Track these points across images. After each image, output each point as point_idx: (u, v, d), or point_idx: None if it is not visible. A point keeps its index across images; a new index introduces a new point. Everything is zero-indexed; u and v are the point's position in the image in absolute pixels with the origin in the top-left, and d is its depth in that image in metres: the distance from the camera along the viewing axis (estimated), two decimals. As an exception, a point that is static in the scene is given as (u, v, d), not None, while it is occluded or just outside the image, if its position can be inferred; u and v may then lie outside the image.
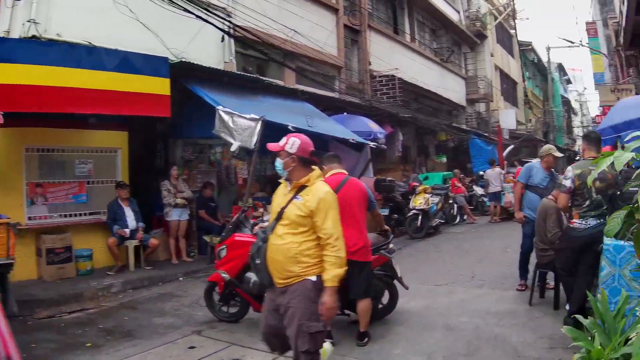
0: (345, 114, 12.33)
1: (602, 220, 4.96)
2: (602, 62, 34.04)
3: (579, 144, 68.10)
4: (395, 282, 5.97)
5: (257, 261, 3.68)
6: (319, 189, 3.52)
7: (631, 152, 2.65)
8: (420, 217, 12.78)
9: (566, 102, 55.80)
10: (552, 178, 6.93)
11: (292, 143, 3.54)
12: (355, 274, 4.96)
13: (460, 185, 16.87)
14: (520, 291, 7.27)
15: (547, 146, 7.59)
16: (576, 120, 66.21)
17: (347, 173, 5.42)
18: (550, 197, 6.34)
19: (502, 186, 15.97)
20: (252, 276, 5.33)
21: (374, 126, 12.25)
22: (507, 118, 27.19)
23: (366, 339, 5.26)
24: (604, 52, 31.32)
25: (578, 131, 62.88)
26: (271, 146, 3.62)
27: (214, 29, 9.53)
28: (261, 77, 10.71)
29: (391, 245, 5.94)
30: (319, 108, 11.61)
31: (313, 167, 3.62)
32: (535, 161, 7.63)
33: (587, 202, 5.16)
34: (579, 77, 66.02)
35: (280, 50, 11.60)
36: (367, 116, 13.21)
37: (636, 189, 4.35)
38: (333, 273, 3.39)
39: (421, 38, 21.73)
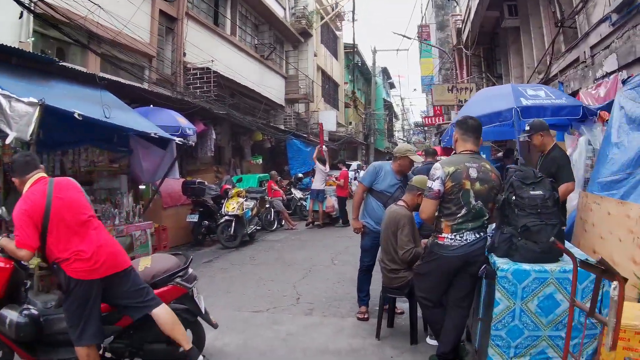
0: (151, 106, 12.09)
1: (482, 234, 4.29)
2: (432, 65, 36.81)
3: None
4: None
5: None
6: None
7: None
8: (233, 224, 12.39)
9: (388, 107, 59.59)
10: (402, 186, 6.04)
11: None
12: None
13: (277, 188, 16.91)
14: (361, 320, 6.24)
15: (404, 145, 6.58)
16: (397, 125, 71.11)
17: (47, 176, 4.33)
18: (400, 203, 5.50)
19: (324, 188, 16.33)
20: (8, 314, 4.15)
21: (182, 121, 12.02)
22: (327, 119, 28.39)
23: None
24: (436, 56, 33.72)
25: (399, 134, 67.78)
26: None
27: (14, 4, 8.77)
28: (55, 59, 10.11)
29: (190, 271, 4.80)
30: (124, 99, 11.03)
31: None
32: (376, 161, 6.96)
33: (463, 211, 4.18)
34: (404, 84, 71.10)
35: (87, 33, 11.02)
36: (178, 111, 12.91)
37: (539, 192, 3.98)
38: None
39: (243, 32, 21.95)
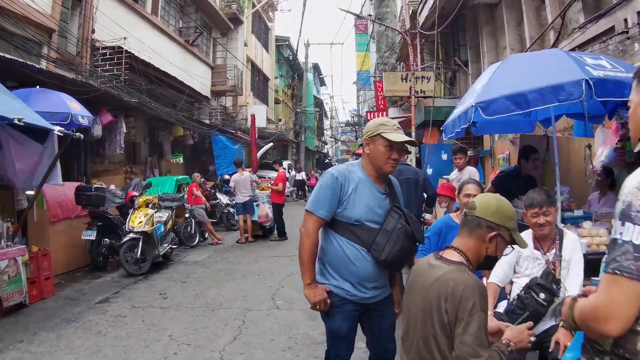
0: (37, 87, 9.29)
1: None
2: (369, 59, 35.36)
3: (327, 147, 71.77)
4: None
5: None
6: None
7: None
8: (140, 244, 9.54)
9: (319, 104, 57.91)
10: (397, 206, 3.28)
11: None
12: None
13: (199, 194, 13.87)
14: None
15: (386, 120, 3.32)
16: (326, 123, 69.69)
17: None
18: (451, 255, 2.49)
19: (255, 195, 13.92)
20: None
21: (75, 106, 9.25)
22: (257, 115, 25.98)
23: None
24: (373, 50, 31.90)
25: (328, 133, 66.50)
26: None
27: None
28: None
29: None
30: (12, 81, 9.05)
31: None
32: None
33: None
34: (335, 82, 69.91)
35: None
36: (78, 96, 10.11)
37: None
38: None
39: (166, 13, 19.27)
